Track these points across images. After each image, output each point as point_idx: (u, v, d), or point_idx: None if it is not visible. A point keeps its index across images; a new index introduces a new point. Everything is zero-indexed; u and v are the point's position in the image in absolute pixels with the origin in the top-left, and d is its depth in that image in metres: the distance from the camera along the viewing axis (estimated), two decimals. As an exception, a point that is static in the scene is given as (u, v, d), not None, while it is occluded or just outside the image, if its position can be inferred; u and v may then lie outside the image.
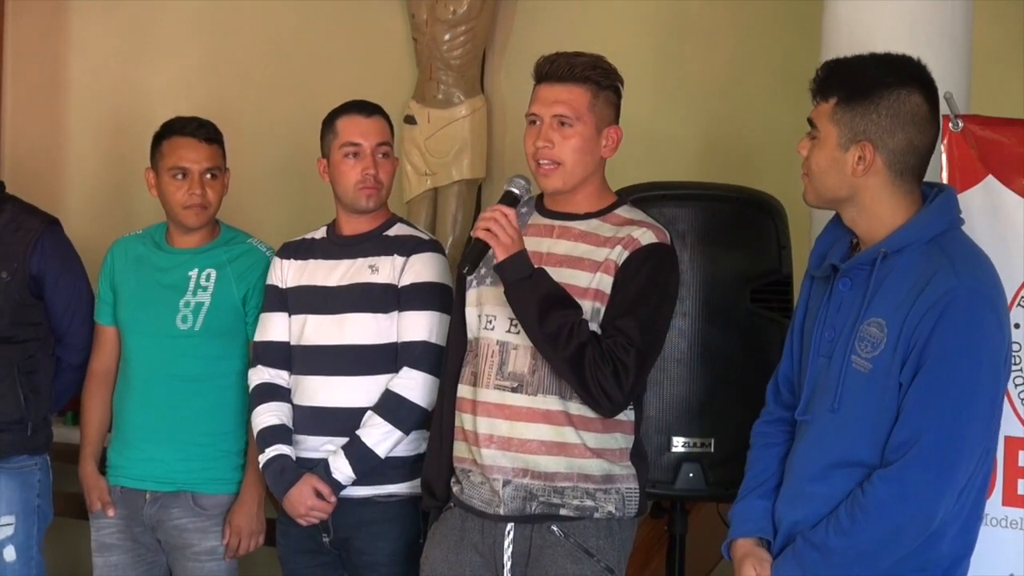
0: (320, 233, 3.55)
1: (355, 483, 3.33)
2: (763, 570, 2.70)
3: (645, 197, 3.30)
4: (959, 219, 2.69)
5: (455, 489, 3.08)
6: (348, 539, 3.38)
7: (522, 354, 2.97)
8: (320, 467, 3.34)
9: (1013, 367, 2.94)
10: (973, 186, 3.02)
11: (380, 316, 3.38)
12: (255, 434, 3.45)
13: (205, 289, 3.59)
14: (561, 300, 2.89)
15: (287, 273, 3.50)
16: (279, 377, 3.47)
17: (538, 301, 2.88)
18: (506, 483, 2.97)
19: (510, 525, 2.98)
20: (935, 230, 2.64)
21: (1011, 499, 2.95)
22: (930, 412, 2.54)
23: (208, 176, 3.60)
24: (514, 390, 2.97)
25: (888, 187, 2.65)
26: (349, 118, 3.44)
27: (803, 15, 3.82)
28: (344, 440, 3.34)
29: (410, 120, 4.55)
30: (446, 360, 3.18)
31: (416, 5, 4.52)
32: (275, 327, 3.48)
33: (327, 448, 3.37)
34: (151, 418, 3.58)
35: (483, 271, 3.05)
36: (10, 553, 3.64)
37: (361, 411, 3.35)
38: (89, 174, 5.25)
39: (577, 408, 2.95)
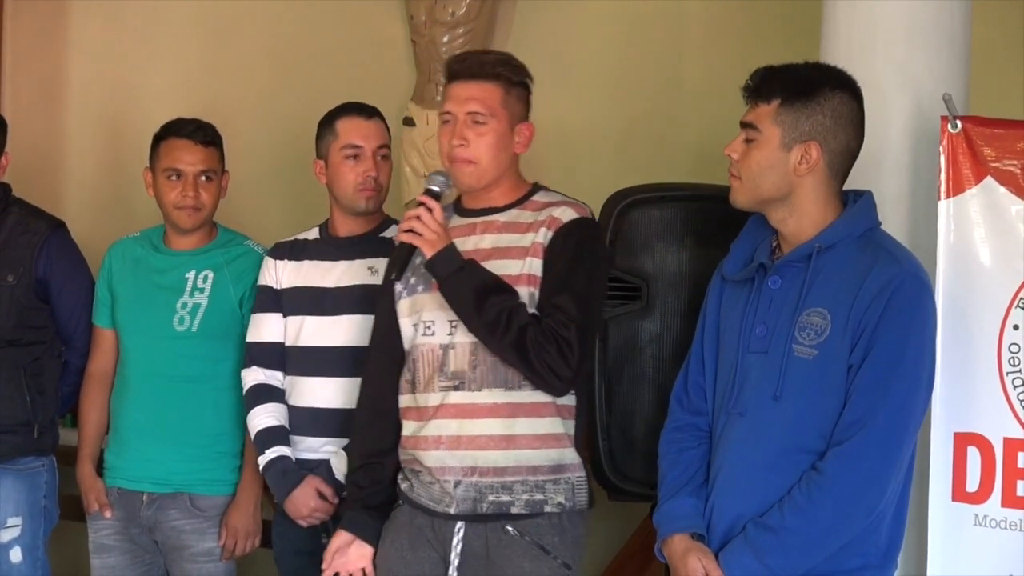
0: (312, 234, 3.54)
1: None
2: (708, 562, 2.72)
3: (643, 199, 3.30)
4: (878, 220, 2.81)
5: (404, 486, 3.06)
6: (348, 539, 3.37)
7: (461, 352, 2.96)
8: (322, 468, 3.35)
9: (1012, 368, 2.95)
10: (972, 187, 3.02)
11: (379, 317, 3.37)
12: (252, 435, 3.45)
13: (202, 291, 3.60)
14: (496, 287, 2.90)
15: (282, 274, 3.49)
16: (273, 378, 3.47)
17: (473, 291, 2.89)
18: (457, 484, 2.96)
19: (460, 523, 2.97)
20: (864, 227, 2.76)
21: (1010, 500, 2.95)
22: (883, 391, 2.63)
23: (203, 179, 3.60)
24: (456, 388, 2.96)
25: (823, 187, 2.76)
26: (349, 120, 3.44)
27: (803, 16, 3.81)
28: (343, 441, 3.33)
29: (409, 122, 4.55)
30: (374, 365, 3.13)
31: (415, 7, 4.52)
32: (269, 328, 3.48)
33: (327, 449, 3.37)
34: (148, 419, 3.59)
35: (412, 280, 3.06)
36: (16, 554, 3.66)
37: (361, 412, 3.34)
38: (88, 175, 5.25)
39: (521, 397, 2.94)
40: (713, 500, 2.79)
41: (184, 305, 3.59)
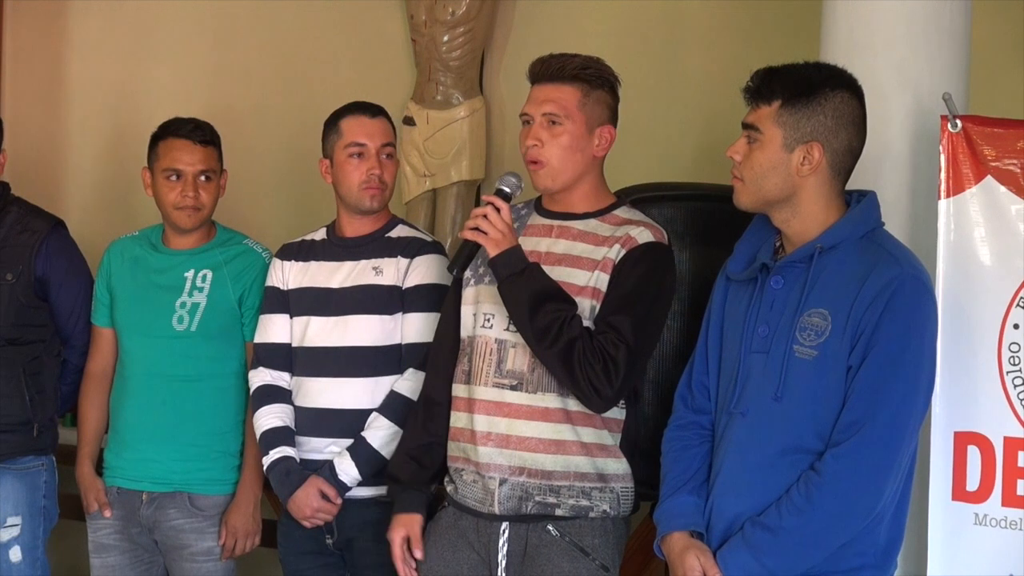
0: (320, 235, 3.54)
1: (360, 484, 3.34)
2: (706, 560, 2.73)
3: (643, 198, 3.30)
4: (881, 220, 2.79)
5: (449, 489, 3.09)
6: (352, 540, 3.38)
7: (521, 352, 2.97)
8: (325, 469, 3.35)
9: (1012, 367, 2.95)
10: (972, 187, 3.02)
11: (385, 318, 3.38)
12: (258, 436, 3.45)
13: (201, 290, 3.60)
14: (554, 295, 2.90)
15: (288, 275, 3.50)
16: (280, 379, 3.47)
17: (530, 296, 2.88)
18: (503, 482, 2.97)
19: (505, 524, 2.99)
20: (866, 227, 2.76)
21: (1010, 499, 2.95)
22: (881, 393, 2.63)
23: (202, 178, 3.61)
24: (513, 388, 2.97)
25: (825, 187, 2.76)
26: (354, 118, 3.44)
27: (803, 15, 3.82)
28: (348, 441, 3.35)
29: (409, 121, 4.55)
30: (435, 356, 3.17)
31: (415, 6, 4.52)
32: (276, 329, 3.48)
33: (331, 449, 3.37)
34: (147, 419, 3.59)
35: (481, 270, 3.06)
36: (16, 554, 3.66)
37: (365, 412, 3.36)
38: (89, 175, 5.25)
39: (575, 405, 2.95)
40: (713, 499, 2.79)
41: (183, 304, 3.59)
